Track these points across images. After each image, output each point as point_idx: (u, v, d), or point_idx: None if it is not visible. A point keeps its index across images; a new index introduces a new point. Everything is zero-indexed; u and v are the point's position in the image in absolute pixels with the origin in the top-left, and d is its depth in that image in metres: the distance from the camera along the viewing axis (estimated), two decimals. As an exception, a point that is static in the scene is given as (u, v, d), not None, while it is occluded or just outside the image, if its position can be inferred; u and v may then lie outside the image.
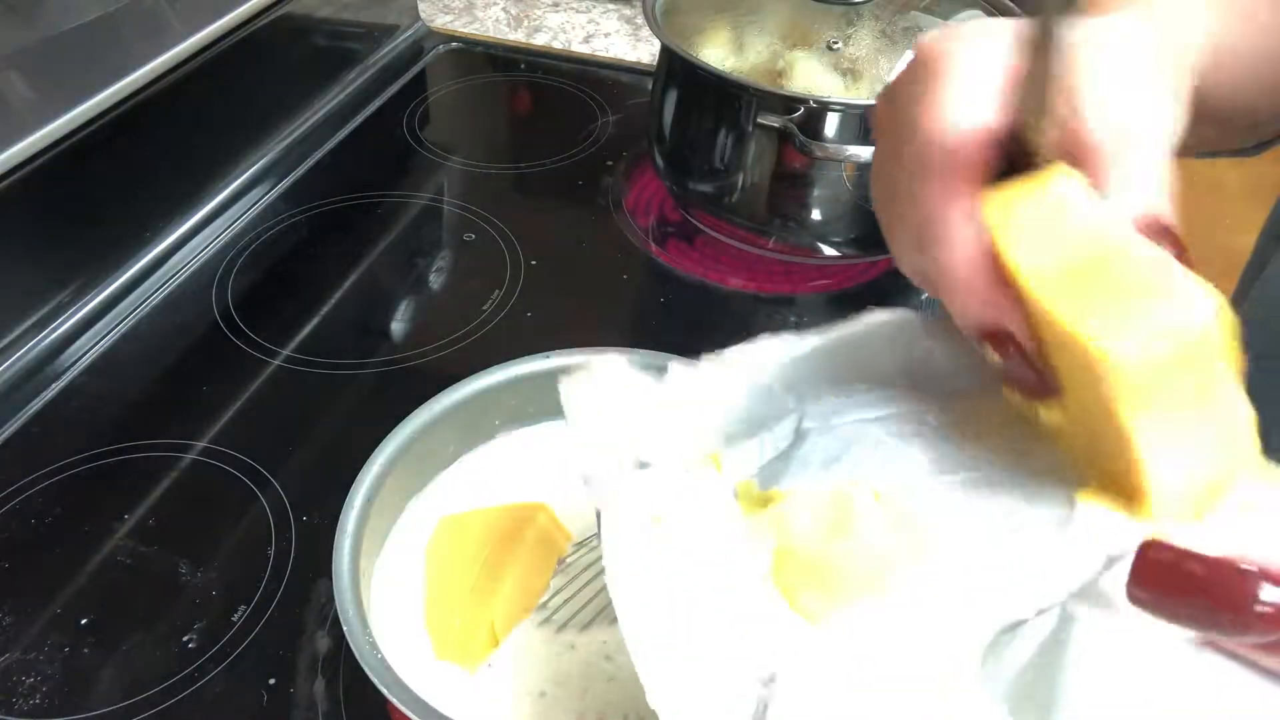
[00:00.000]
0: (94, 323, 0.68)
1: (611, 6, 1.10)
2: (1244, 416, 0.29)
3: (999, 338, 0.30)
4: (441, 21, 1.06)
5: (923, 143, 0.30)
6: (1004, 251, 0.29)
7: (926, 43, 0.31)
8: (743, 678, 0.28)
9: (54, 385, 0.64)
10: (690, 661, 0.29)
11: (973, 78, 0.29)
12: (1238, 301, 0.60)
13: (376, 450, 0.44)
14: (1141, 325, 0.27)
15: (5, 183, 0.62)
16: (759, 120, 0.67)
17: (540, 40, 1.04)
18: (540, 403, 0.49)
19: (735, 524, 0.32)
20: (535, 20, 1.08)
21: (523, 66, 1.00)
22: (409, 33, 1.01)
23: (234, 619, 0.51)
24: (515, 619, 0.42)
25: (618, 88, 0.97)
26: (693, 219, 0.80)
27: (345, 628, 0.37)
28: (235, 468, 0.59)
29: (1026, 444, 0.33)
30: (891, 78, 0.35)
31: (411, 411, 0.45)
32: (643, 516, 0.31)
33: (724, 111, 0.70)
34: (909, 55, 0.33)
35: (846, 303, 0.73)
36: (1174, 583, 0.25)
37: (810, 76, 0.76)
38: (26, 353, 0.65)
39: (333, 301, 0.72)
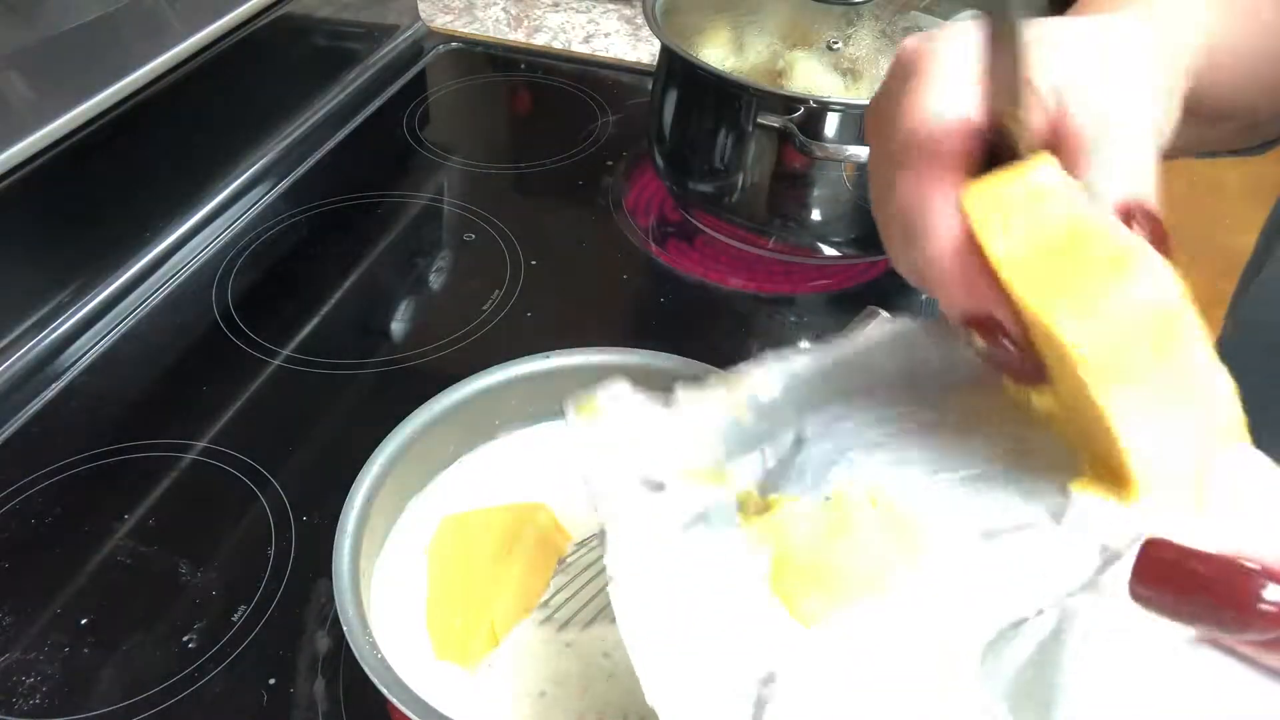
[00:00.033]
0: (94, 323, 0.68)
1: (611, 6, 1.10)
2: (1224, 390, 0.28)
3: (985, 325, 0.30)
4: (441, 21, 1.06)
5: (905, 137, 0.30)
6: (982, 239, 0.29)
7: (907, 45, 0.32)
8: (741, 676, 0.28)
9: (54, 385, 0.64)
10: (688, 659, 0.29)
11: (950, 73, 0.30)
12: (1237, 301, 0.60)
13: (376, 450, 0.44)
14: (1102, 305, 0.27)
15: (5, 183, 0.62)
16: (759, 120, 0.67)
17: (540, 40, 1.04)
18: (540, 403, 0.49)
19: (735, 533, 0.32)
20: (535, 20, 1.08)
21: (523, 66, 1.00)
22: (409, 33, 1.01)
23: (234, 619, 0.51)
24: (515, 619, 0.42)
25: (618, 88, 0.97)
26: (693, 219, 0.80)
27: (345, 628, 0.37)
28: (235, 468, 0.59)
29: (1024, 435, 0.33)
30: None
31: (411, 411, 0.45)
32: (649, 532, 0.32)
33: (724, 111, 0.70)
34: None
35: (846, 303, 0.73)
36: (1177, 581, 0.25)
37: (810, 76, 0.76)
38: (26, 353, 0.65)
39: (333, 301, 0.72)
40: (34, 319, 0.66)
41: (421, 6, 1.04)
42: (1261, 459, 0.30)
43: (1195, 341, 0.28)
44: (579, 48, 1.03)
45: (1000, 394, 0.34)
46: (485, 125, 0.96)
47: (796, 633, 0.30)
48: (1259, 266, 0.57)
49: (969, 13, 0.74)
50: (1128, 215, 0.29)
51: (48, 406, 0.63)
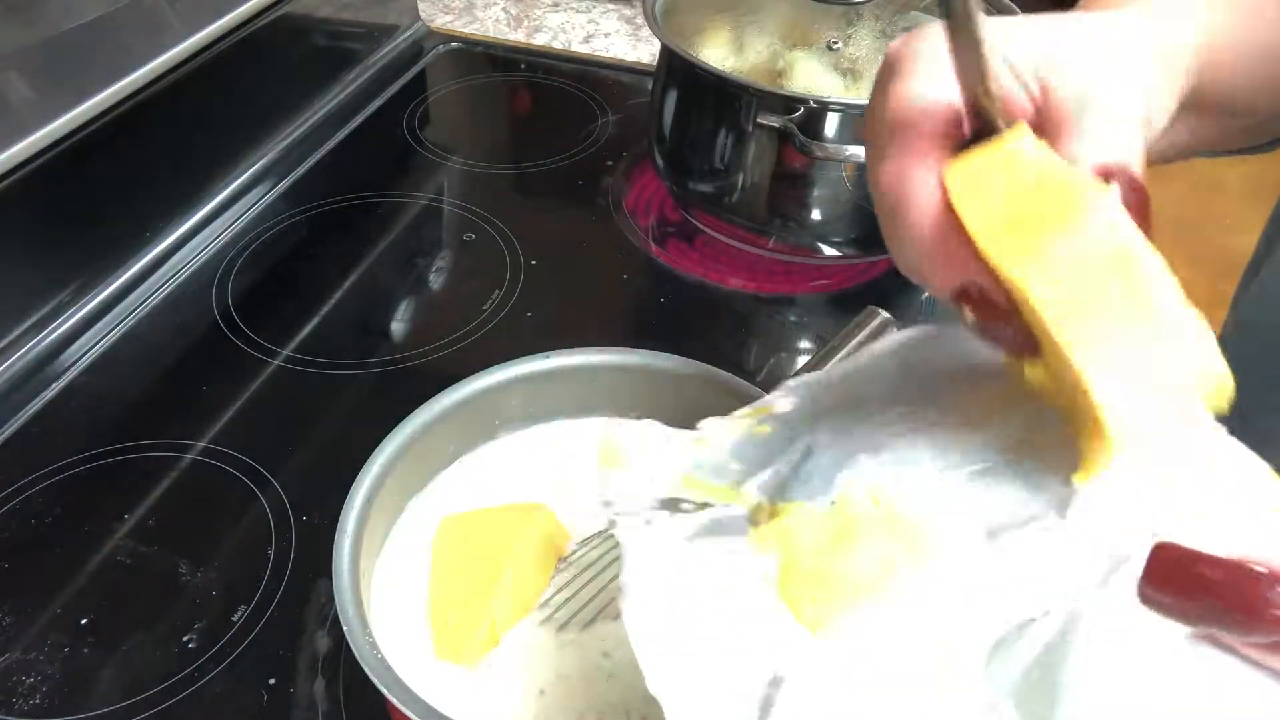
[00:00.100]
0: (94, 323, 0.68)
1: (611, 6, 1.10)
2: (1195, 336, 0.28)
3: (973, 298, 0.31)
4: (441, 21, 1.06)
5: (889, 124, 0.32)
6: (958, 207, 0.30)
7: (891, 46, 0.34)
8: (747, 679, 0.29)
9: (54, 385, 0.64)
10: (694, 662, 0.29)
11: (926, 62, 0.32)
12: (1238, 301, 0.60)
13: (376, 450, 0.44)
14: (1057, 249, 0.28)
15: (5, 183, 0.62)
16: (759, 120, 0.67)
17: (540, 40, 1.04)
18: (540, 403, 0.49)
19: (744, 541, 0.33)
20: (535, 20, 1.08)
21: (523, 66, 1.00)
22: (409, 33, 1.01)
23: (234, 619, 0.51)
24: (515, 618, 0.42)
25: (618, 88, 0.97)
26: (693, 219, 0.80)
27: (345, 628, 0.37)
28: (235, 468, 0.59)
29: (1029, 426, 0.33)
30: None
31: (411, 411, 0.45)
32: (661, 545, 0.32)
33: (724, 111, 0.70)
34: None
35: (846, 303, 0.73)
36: (1185, 583, 0.26)
37: (810, 76, 0.76)
38: (26, 353, 0.65)
39: (333, 301, 0.72)
40: (34, 319, 0.66)
41: (421, 6, 1.04)
42: (1256, 460, 0.30)
43: (1161, 286, 0.28)
44: (579, 48, 1.03)
45: (1002, 386, 0.34)
46: (485, 125, 0.96)
47: (802, 637, 0.30)
48: (1259, 266, 0.57)
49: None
50: (1106, 178, 0.30)
51: (48, 406, 0.63)
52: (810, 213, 0.73)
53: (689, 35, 0.77)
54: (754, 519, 0.34)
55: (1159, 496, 0.29)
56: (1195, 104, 0.37)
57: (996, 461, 0.32)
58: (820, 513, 0.32)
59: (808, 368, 0.45)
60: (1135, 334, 0.28)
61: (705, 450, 0.36)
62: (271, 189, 0.82)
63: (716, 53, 0.79)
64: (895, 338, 0.39)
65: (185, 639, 0.50)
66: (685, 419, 0.49)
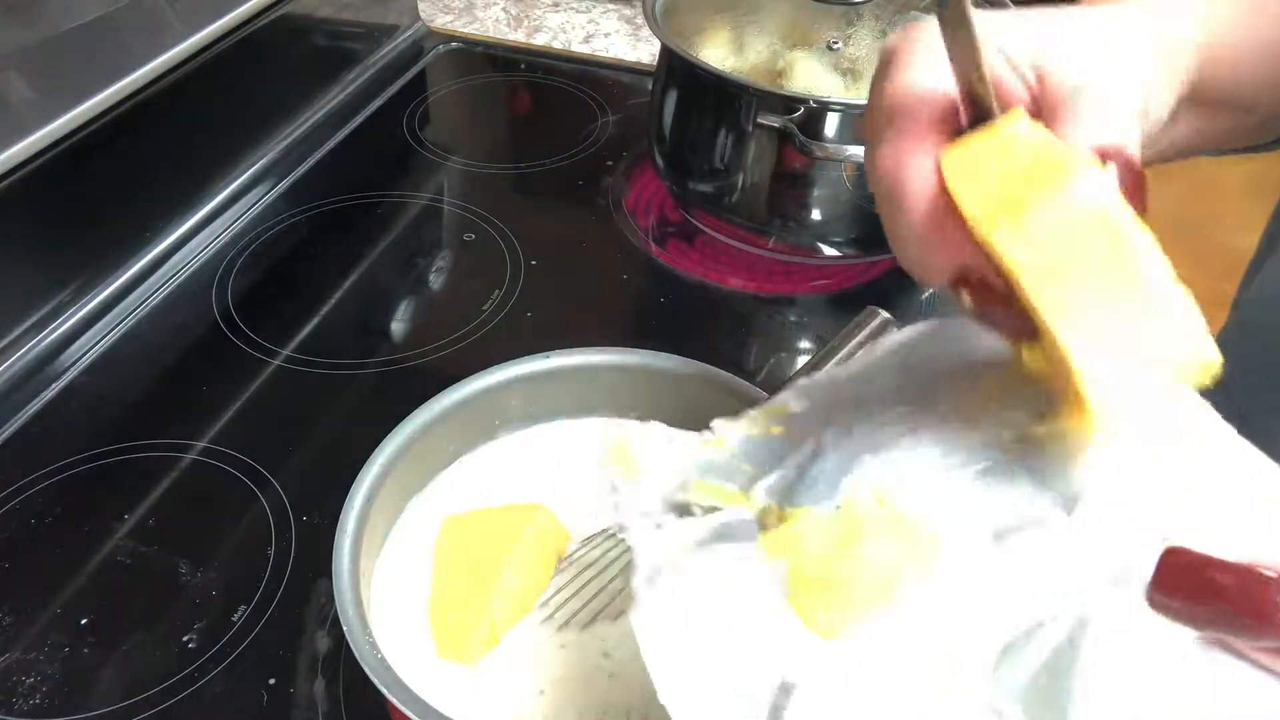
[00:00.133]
0: (94, 323, 0.68)
1: (611, 6, 1.10)
2: (1184, 313, 0.28)
3: (970, 282, 0.31)
4: (441, 21, 1.06)
5: (885, 113, 0.32)
6: (952, 188, 0.30)
7: (888, 41, 0.34)
8: (756, 685, 0.29)
9: (54, 385, 0.64)
10: (704, 669, 0.29)
11: (921, 52, 0.32)
12: (1239, 301, 0.60)
13: (376, 450, 0.44)
14: (1038, 215, 0.27)
15: (5, 183, 0.62)
16: (759, 120, 0.67)
17: (540, 40, 1.04)
18: (540, 403, 0.49)
19: (753, 547, 0.33)
20: (535, 20, 1.08)
21: (523, 66, 1.00)
22: (409, 33, 1.01)
23: (234, 619, 0.51)
24: (515, 618, 0.42)
25: (618, 88, 0.97)
26: (693, 219, 0.80)
27: (345, 628, 0.37)
28: (235, 468, 0.59)
29: (1031, 415, 0.32)
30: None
31: (411, 411, 0.45)
32: (671, 551, 0.32)
33: (724, 111, 0.70)
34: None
35: (846, 303, 0.73)
36: (1195, 588, 0.26)
37: (810, 76, 0.76)
38: (26, 353, 0.65)
39: (333, 301, 0.72)
40: (34, 319, 0.66)
41: (421, 6, 1.04)
42: (1264, 460, 0.30)
43: (1150, 260, 0.27)
44: (579, 48, 1.03)
45: (1002, 377, 0.34)
46: (485, 125, 0.96)
47: (812, 644, 0.30)
48: (1260, 266, 0.57)
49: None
50: (1103, 160, 0.30)
51: (48, 406, 0.63)
52: (810, 213, 0.73)
53: (689, 35, 0.77)
54: (763, 523, 0.34)
55: (1147, 472, 0.29)
56: (1197, 100, 0.37)
57: (1001, 460, 0.32)
58: (826, 517, 0.32)
59: (808, 368, 0.45)
60: (1120, 306, 0.27)
61: (716, 452, 0.36)
62: (271, 189, 0.82)
63: (716, 53, 0.79)
64: (896, 336, 0.38)
65: (185, 639, 0.50)
66: (685, 419, 0.49)
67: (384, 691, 0.35)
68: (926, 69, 0.32)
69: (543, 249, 0.76)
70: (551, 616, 0.43)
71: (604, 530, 0.45)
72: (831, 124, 0.66)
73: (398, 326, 0.71)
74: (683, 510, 0.34)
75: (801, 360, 0.68)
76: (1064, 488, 0.30)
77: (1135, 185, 0.29)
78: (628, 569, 0.42)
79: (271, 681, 0.48)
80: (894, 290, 0.74)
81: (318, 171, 0.85)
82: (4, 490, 0.57)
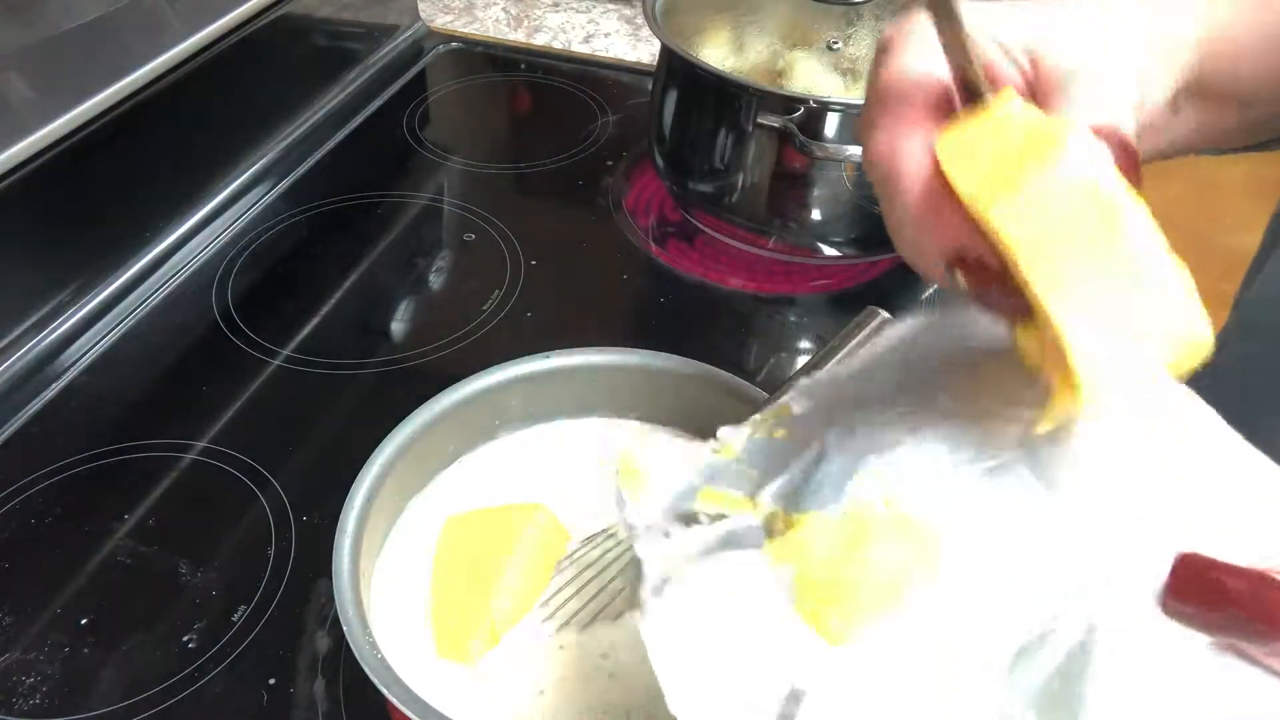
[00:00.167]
0: (94, 323, 0.68)
1: (611, 6, 1.10)
2: (1177, 286, 0.27)
3: (966, 264, 0.31)
4: (441, 21, 1.06)
5: (880, 99, 0.33)
6: (947, 170, 0.30)
7: (884, 33, 0.34)
8: (765, 694, 0.28)
9: (54, 385, 0.64)
10: (713, 677, 0.29)
11: (918, 40, 0.33)
12: (1240, 300, 0.60)
13: (376, 450, 0.44)
14: (1030, 186, 0.27)
15: (5, 183, 0.62)
16: (759, 120, 0.67)
17: (540, 40, 1.04)
18: (540, 403, 0.49)
19: (760, 553, 0.32)
20: (535, 20, 1.08)
21: (523, 66, 1.00)
22: (409, 33, 1.01)
23: (234, 619, 0.51)
24: (515, 618, 0.42)
25: (618, 88, 0.97)
26: (693, 219, 0.80)
27: (345, 628, 0.37)
28: (235, 468, 0.59)
29: (1031, 403, 0.32)
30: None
31: (411, 411, 0.45)
32: (678, 560, 0.32)
33: (724, 111, 0.70)
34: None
35: (846, 303, 0.73)
36: (1209, 594, 0.26)
37: (810, 76, 0.76)
38: (26, 353, 0.65)
39: (333, 301, 0.72)
40: (34, 319, 0.66)
41: (421, 6, 1.04)
42: (1250, 449, 0.30)
43: (1143, 234, 0.27)
44: (579, 48, 1.03)
45: (1001, 365, 0.33)
46: (485, 125, 0.96)
47: (820, 650, 0.30)
48: (1261, 266, 0.57)
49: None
50: (1097, 135, 0.30)
51: (48, 406, 0.63)
52: (810, 213, 0.73)
53: (689, 35, 0.77)
54: (770, 529, 0.33)
55: (1139, 447, 0.29)
56: (1197, 94, 0.37)
57: (1005, 456, 0.32)
58: (833, 521, 0.32)
59: (808, 368, 0.45)
60: (1111, 279, 0.27)
61: (722, 458, 0.36)
62: (271, 189, 0.82)
63: (716, 53, 0.78)
64: (895, 331, 0.38)
65: (185, 639, 0.50)
66: (685, 419, 0.49)
67: (384, 691, 0.35)
68: (920, 56, 0.32)
69: (543, 249, 0.76)
70: (551, 616, 0.43)
71: (604, 530, 0.45)
72: (831, 124, 0.66)
73: (398, 326, 0.71)
74: (689, 519, 0.34)
75: (801, 360, 0.68)
76: (1067, 483, 0.30)
77: (1130, 167, 0.29)
78: (628, 569, 0.42)
79: (271, 681, 0.48)
80: (894, 290, 0.74)
81: (318, 171, 0.85)
82: (4, 490, 0.57)
